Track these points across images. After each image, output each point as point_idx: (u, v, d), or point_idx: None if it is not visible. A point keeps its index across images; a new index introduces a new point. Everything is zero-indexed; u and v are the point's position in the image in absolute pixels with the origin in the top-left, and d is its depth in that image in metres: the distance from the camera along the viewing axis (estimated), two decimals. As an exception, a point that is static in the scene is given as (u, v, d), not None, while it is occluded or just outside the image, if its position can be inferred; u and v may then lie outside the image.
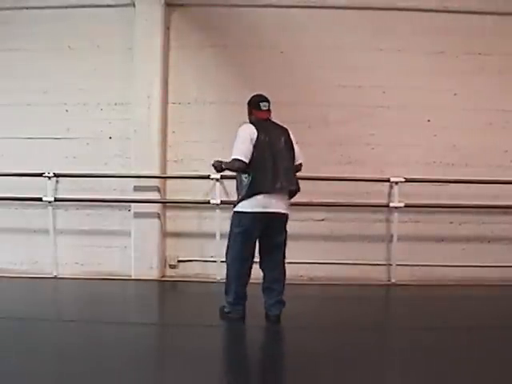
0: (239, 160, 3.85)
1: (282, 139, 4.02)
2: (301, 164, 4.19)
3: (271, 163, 3.89)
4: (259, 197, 3.86)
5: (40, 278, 5.73)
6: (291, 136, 4.11)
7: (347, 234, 5.89)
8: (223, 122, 5.69)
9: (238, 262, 3.99)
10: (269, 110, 4.11)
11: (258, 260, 4.07)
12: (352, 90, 5.87)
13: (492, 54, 5.89)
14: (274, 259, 4.04)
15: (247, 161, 3.85)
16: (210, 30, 5.98)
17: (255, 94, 4.19)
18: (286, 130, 4.12)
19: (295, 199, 5.82)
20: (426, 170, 5.87)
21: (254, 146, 3.88)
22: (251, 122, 4.04)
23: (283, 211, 3.96)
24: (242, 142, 3.89)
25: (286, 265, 4.09)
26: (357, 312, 4.48)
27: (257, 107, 4.08)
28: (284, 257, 4.09)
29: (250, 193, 3.88)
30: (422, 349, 3.45)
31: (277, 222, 3.96)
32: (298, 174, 4.17)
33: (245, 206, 3.90)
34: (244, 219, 3.92)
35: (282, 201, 3.95)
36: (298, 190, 4.08)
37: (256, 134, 3.90)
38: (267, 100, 4.11)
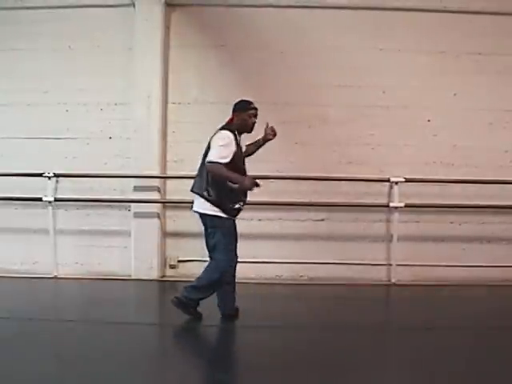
0: None
1: (208, 144, 4.12)
2: (209, 162, 3.97)
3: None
4: None
5: (40, 277, 5.72)
6: (214, 138, 4.10)
7: (347, 233, 5.89)
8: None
9: None
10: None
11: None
12: (352, 90, 5.86)
13: (492, 54, 5.88)
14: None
15: None
16: (210, 29, 5.98)
17: None
18: (217, 133, 4.14)
19: (295, 199, 5.84)
20: (426, 169, 5.86)
21: None
22: None
23: (196, 209, 4.15)
24: None
25: (214, 268, 4.04)
26: (357, 312, 4.49)
27: None
28: (215, 259, 4.08)
29: None
30: (422, 349, 3.45)
31: (201, 219, 4.15)
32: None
33: None
34: None
35: (197, 200, 4.15)
36: (200, 191, 4.10)
37: None
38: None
